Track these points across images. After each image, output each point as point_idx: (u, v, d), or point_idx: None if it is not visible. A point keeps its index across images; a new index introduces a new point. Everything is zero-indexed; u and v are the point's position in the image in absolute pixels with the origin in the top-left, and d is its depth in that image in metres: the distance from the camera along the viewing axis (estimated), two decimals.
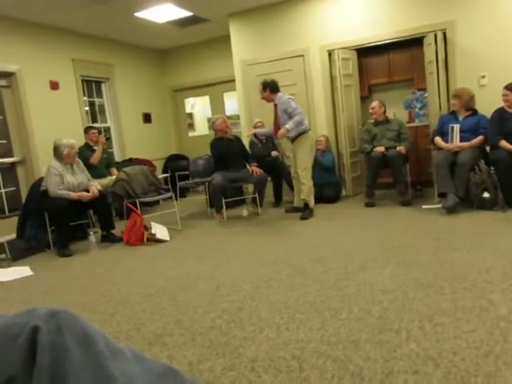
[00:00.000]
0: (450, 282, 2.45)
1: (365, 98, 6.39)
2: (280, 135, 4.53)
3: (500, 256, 2.81)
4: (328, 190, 5.32)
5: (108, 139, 6.33)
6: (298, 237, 3.93)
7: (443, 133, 4.48)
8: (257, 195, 5.07)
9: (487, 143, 4.29)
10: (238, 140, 5.23)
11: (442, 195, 4.29)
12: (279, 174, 5.52)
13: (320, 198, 5.20)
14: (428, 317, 2.04)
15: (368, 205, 4.87)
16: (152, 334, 2.21)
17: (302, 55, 5.83)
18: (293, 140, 4.64)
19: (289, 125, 4.40)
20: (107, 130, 6.95)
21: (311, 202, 4.66)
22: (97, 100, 6.92)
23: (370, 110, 5.14)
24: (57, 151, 4.26)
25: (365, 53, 5.96)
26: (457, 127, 4.33)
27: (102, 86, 6.97)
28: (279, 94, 4.64)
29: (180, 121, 8.31)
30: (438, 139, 4.51)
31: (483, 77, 4.96)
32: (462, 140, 4.32)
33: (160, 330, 2.23)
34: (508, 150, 3.99)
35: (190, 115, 8.40)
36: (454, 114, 4.55)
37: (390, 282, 2.55)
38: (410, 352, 1.76)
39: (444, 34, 5.02)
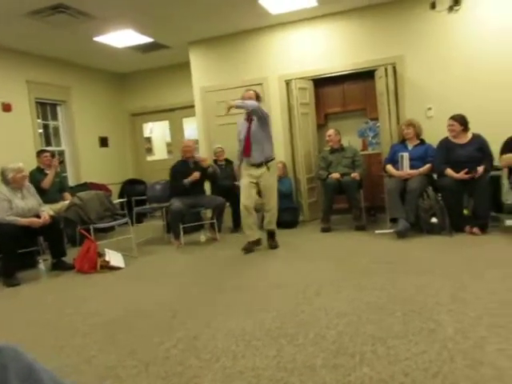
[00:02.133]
0: (402, 304, 2.53)
1: (321, 126, 6.60)
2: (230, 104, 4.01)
3: (447, 279, 2.94)
4: (286, 215, 5.38)
5: (61, 163, 6.15)
6: (256, 262, 3.94)
7: (394, 161, 4.70)
8: (215, 220, 5.06)
9: (434, 171, 4.53)
10: (200, 165, 5.15)
11: (394, 220, 4.46)
12: (238, 198, 5.53)
13: (278, 224, 5.26)
14: (381, 340, 2.10)
15: (324, 230, 4.98)
16: (104, 366, 2.12)
17: (261, 84, 5.99)
18: (259, 165, 4.21)
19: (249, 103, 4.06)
20: (61, 153, 6.77)
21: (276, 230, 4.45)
22: (52, 123, 6.75)
23: (327, 138, 5.32)
24: (3, 176, 4.11)
25: (321, 83, 6.20)
26: (406, 156, 4.55)
27: (58, 108, 6.82)
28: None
29: (138, 145, 8.23)
30: (389, 167, 4.72)
31: (429, 109, 5.28)
32: (411, 168, 4.54)
33: (113, 362, 2.15)
34: (453, 178, 4.23)
35: (149, 139, 8.35)
36: (403, 143, 4.79)
37: (345, 305, 2.60)
38: (364, 376, 1.79)
39: (394, 67, 5.33)
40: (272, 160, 4.24)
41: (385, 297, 2.69)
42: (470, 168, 4.14)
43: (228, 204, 5.35)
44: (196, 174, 4.94)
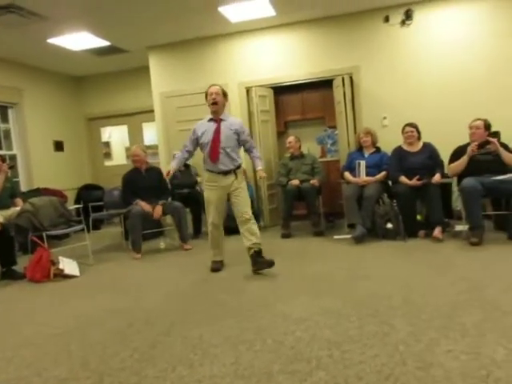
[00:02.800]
0: (358, 309, 2.60)
1: (281, 134, 6.69)
2: (263, 177, 3.83)
3: (401, 283, 3.04)
4: None
5: (12, 167, 5.88)
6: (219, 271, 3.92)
7: (351, 168, 4.82)
8: (177, 228, 4.90)
9: (389, 178, 4.68)
10: (156, 172, 5.07)
11: (351, 226, 4.58)
12: (198, 204, 5.49)
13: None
14: (336, 344, 2.14)
15: (284, 236, 5.03)
16: (55, 378, 2.04)
17: None
18: (227, 173, 3.68)
19: (260, 163, 3.86)
20: (12, 157, 6.48)
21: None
22: (1, 125, 6.45)
23: (287, 145, 5.39)
24: None
25: (281, 91, 6.29)
26: (363, 163, 4.69)
27: (9, 111, 6.53)
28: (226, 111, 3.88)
29: (95, 150, 8.01)
30: (346, 174, 4.84)
31: (385, 118, 5.48)
32: (367, 175, 4.67)
33: (65, 374, 2.07)
34: (407, 185, 4.39)
35: (107, 144, 8.15)
36: (360, 151, 4.93)
37: (303, 311, 2.64)
38: (319, 380, 1.82)
39: (350, 77, 5.49)
40: (240, 167, 3.78)
41: (341, 301, 2.74)
42: (421, 175, 4.32)
43: (188, 210, 5.29)
44: (158, 211, 4.72)
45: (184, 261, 4.36)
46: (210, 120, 3.74)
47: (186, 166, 5.71)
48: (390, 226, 4.45)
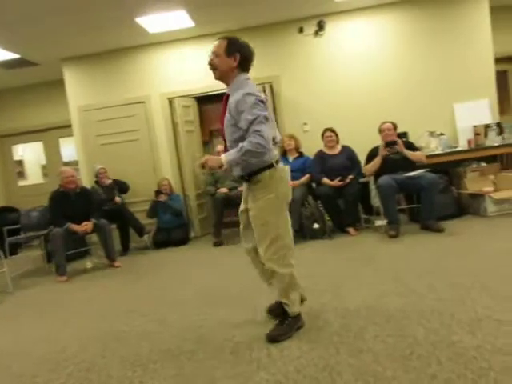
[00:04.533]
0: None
1: (207, 143, 6.72)
2: (211, 163, 2.22)
3: (330, 279, 3.21)
4: (177, 232, 5.36)
5: None
6: (149, 281, 3.84)
7: None
8: (103, 245, 4.71)
9: (313, 180, 4.91)
10: (86, 194, 4.79)
11: None
12: (125, 220, 5.34)
13: (169, 242, 5.26)
14: (274, 343, 2.21)
15: (216, 244, 5.05)
16: None
17: (143, 102, 5.90)
18: (247, 179, 2.31)
19: (230, 154, 2.18)
20: None
21: (293, 306, 2.33)
22: None
23: (219, 154, 5.42)
24: None
25: (205, 100, 6.33)
26: (288, 168, 4.86)
27: None
28: (244, 76, 2.31)
29: (7, 169, 7.46)
30: None
31: (305, 124, 5.73)
32: (292, 179, 4.83)
33: None
34: (329, 185, 4.64)
35: (20, 162, 7.62)
36: (284, 156, 5.12)
37: (243, 315, 2.68)
38: (261, 380, 1.87)
39: (271, 86, 5.68)
40: (260, 172, 2.23)
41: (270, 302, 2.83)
42: (342, 176, 4.61)
43: (115, 226, 5.13)
44: (89, 225, 4.52)
45: (109, 281, 4.21)
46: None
47: (111, 183, 5.52)
48: (316, 226, 4.66)
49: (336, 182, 4.61)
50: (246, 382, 1.87)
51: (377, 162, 4.52)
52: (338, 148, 4.90)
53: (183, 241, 5.39)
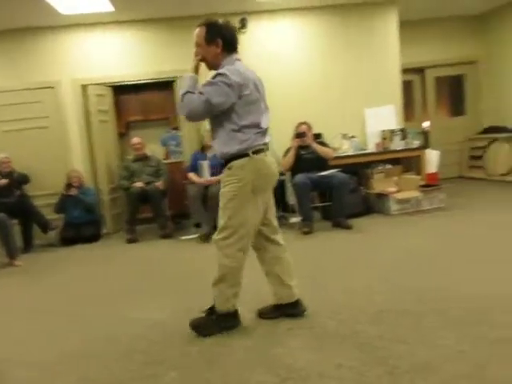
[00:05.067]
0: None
1: (122, 135, 6.43)
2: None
3: (249, 277, 3.23)
4: (87, 228, 5.07)
5: None
6: (53, 280, 3.58)
7: (196, 169, 4.93)
8: (3, 242, 4.30)
9: None
10: None
11: (198, 225, 4.68)
12: (27, 214, 4.92)
13: (78, 239, 4.96)
14: (190, 342, 2.18)
15: (130, 241, 4.87)
16: None
17: (53, 87, 5.47)
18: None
19: (186, 79, 2.20)
20: None
21: (222, 302, 2.25)
22: None
23: (134, 146, 5.24)
24: None
25: (122, 90, 6.06)
26: (205, 163, 4.84)
27: None
28: (232, 57, 2.24)
29: None
30: (191, 175, 4.93)
31: None
32: (212, 175, 4.84)
33: None
34: None
35: None
36: (203, 152, 5.07)
37: (158, 314, 2.61)
38: (172, 380, 1.84)
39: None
40: (234, 160, 2.15)
41: (197, 301, 2.79)
42: None
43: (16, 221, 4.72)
44: None
45: (11, 279, 3.87)
46: None
47: (9, 173, 5.03)
48: None
49: None
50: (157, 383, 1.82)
51: (291, 155, 4.68)
52: None
53: (94, 237, 5.11)
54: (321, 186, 4.67)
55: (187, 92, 2.10)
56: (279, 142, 5.01)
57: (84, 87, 5.50)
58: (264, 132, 2.24)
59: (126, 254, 4.41)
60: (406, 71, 6.47)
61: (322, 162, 4.70)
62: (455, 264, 2.98)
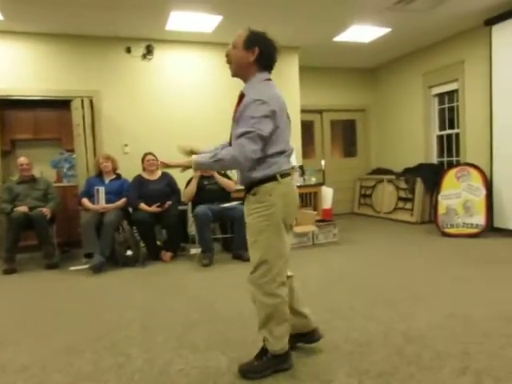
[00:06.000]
0: (93, 343, 2.44)
1: (6, 153, 5.81)
2: (166, 164, 2.20)
3: (139, 309, 3.04)
4: None
5: None
6: None
7: (90, 194, 4.61)
8: None
9: (130, 205, 4.70)
10: None
11: (89, 256, 4.33)
12: None
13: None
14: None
15: (8, 271, 4.31)
16: None
17: None
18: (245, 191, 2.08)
19: (202, 157, 2.03)
20: None
21: (275, 342, 2.01)
22: None
23: (20, 167, 4.72)
24: None
25: (7, 105, 5.52)
26: (102, 189, 4.55)
27: None
28: (263, 76, 2.05)
29: None
30: (84, 200, 4.59)
31: (126, 145, 5.51)
32: (107, 202, 4.56)
33: None
34: (146, 211, 4.49)
35: None
36: (100, 177, 4.78)
37: (27, 357, 2.29)
38: None
39: (91, 101, 5.31)
40: (260, 184, 1.97)
41: (76, 338, 2.53)
42: (161, 202, 4.53)
43: None
44: None
45: None
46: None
47: None
48: (129, 253, 4.44)
49: (154, 208, 4.50)
50: None
51: (193, 184, 4.64)
52: (158, 173, 4.82)
53: None
54: (222, 218, 4.66)
55: (215, 158, 1.90)
56: (184, 172, 4.89)
57: None
58: (290, 154, 2.07)
59: (1, 286, 3.89)
60: (308, 112, 6.89)
61: (224, 194, 4.72)
62: (342, 294, 3.12)
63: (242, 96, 2.01)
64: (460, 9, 5.05)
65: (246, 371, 2.00)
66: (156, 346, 2.36)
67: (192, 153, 2.14)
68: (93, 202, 4.56)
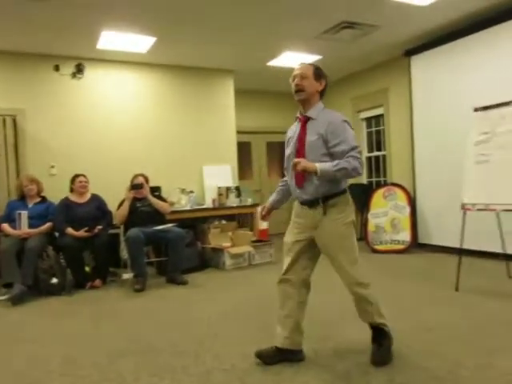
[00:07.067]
0: (12, 381, 2.24)
1: None
2: (305, 164, 2.15)
3: (63, 341, 2.84)
4: None
5: None
6: None
7: (11, 219, 4.30)
8: None
9: (55, 230, 4.43)
10: None
11: (8, 286, 4.01)
12: None
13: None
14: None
15: None
16: None
17: None
18: (311, 205, 2.27)
19: (324, 165, 2.15)
20: None
21: (386, 321, 2.32)
22: None
23: None
24: None
25: None
26: (24, 214, 4.26)
27: None
28: (323, 104, 2.37)
29: None
30: (5, 225, 4.27)
31: (53, 166, 5.23)
32: (31, 226, 4.27)
33: None
34: (74, 236, 4.26)
35: None
36: (22, 200, 4.48)
37: None
38: None
39: (14, 119, 5.02)
40: (338, 196, 2.25)
41: None
42: (90, 226, 4.31)
43: None
44: None
45: None
46: (297, 119, 2.43)
47: None
48: (55, 280, 4.15)
49: (82, 233, 4.27)
50: None
51: (125, 206, 4.50)
52: (88, 196, 4.61)
53: None
54: (156, 241, 4.54)
55: (338, 167, 2.12)
56: (114, 192, 4.73)
57: None
58: None
59: None
60: (244, 133, 6.98)
61: (158, 216, 4.61)
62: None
63: (307, 119, 2.31)
64: (382, 40, 5.43)
65: (383, 361, 2.23)
66: (78, 380, 2.21)
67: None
68: (14, 227, 4.25)
